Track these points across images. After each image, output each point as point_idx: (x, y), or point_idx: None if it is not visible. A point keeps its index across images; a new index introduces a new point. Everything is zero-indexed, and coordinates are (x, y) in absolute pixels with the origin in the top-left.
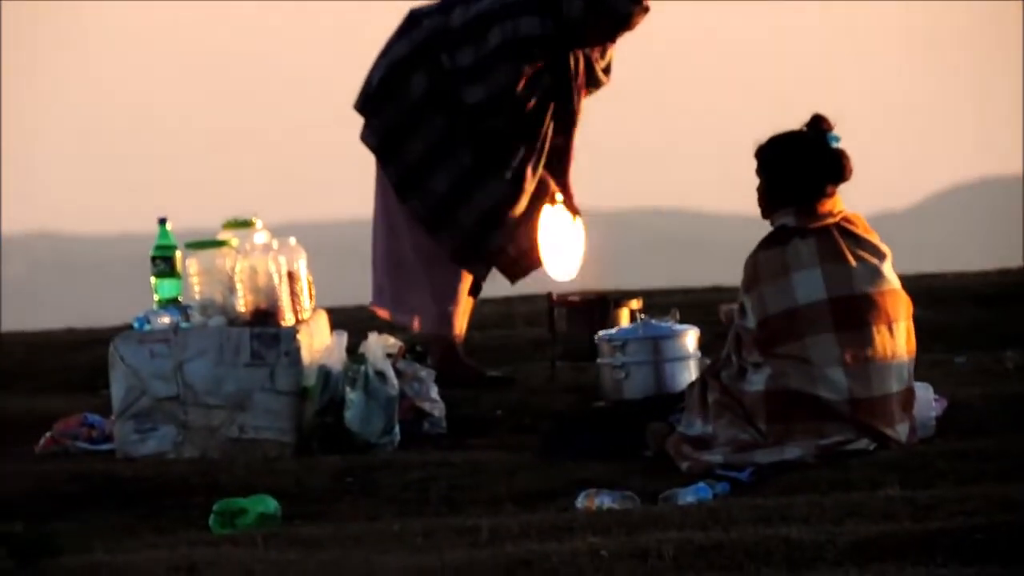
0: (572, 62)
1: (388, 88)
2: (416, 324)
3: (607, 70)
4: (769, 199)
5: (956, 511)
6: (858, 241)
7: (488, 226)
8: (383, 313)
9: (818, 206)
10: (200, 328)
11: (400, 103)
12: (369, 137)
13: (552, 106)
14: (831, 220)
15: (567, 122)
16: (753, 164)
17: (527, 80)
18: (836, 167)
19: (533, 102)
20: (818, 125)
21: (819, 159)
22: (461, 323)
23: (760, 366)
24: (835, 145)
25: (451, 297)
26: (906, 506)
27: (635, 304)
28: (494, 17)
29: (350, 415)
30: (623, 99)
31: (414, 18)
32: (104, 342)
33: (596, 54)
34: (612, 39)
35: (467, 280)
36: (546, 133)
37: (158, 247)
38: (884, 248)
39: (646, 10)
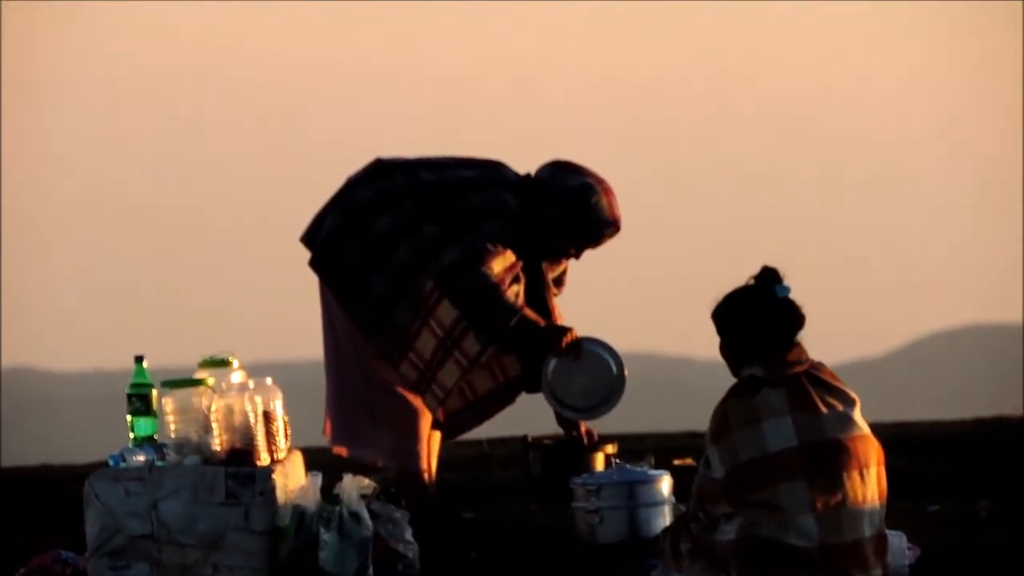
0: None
1: (348, 230)
2: (379, 459)
3: (559, 281)
4: (733, 356)
5: None
6: (828, 388)
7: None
8: (341, 451)
9: (783, 356)
10: (175, 466)
11: (362, 243)
12: (332, 280)
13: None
14: (799, 368)
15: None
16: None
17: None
18: (785, 319)
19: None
20: (767, 277)
21: (767, 313)
22: (427, 459)
23: (731, 516)
24: (784, 295)
25: (409, 430)
26: None
27: (610, 449)
28: (473, 185)
29: (324, 556)
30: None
31: (383, 168)
32: (79, 479)
33: (549, 269)
34: (578, 254)
35: (426, 414)
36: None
37: (134, 385)
38: (853, 394)
39: (618, 230)
